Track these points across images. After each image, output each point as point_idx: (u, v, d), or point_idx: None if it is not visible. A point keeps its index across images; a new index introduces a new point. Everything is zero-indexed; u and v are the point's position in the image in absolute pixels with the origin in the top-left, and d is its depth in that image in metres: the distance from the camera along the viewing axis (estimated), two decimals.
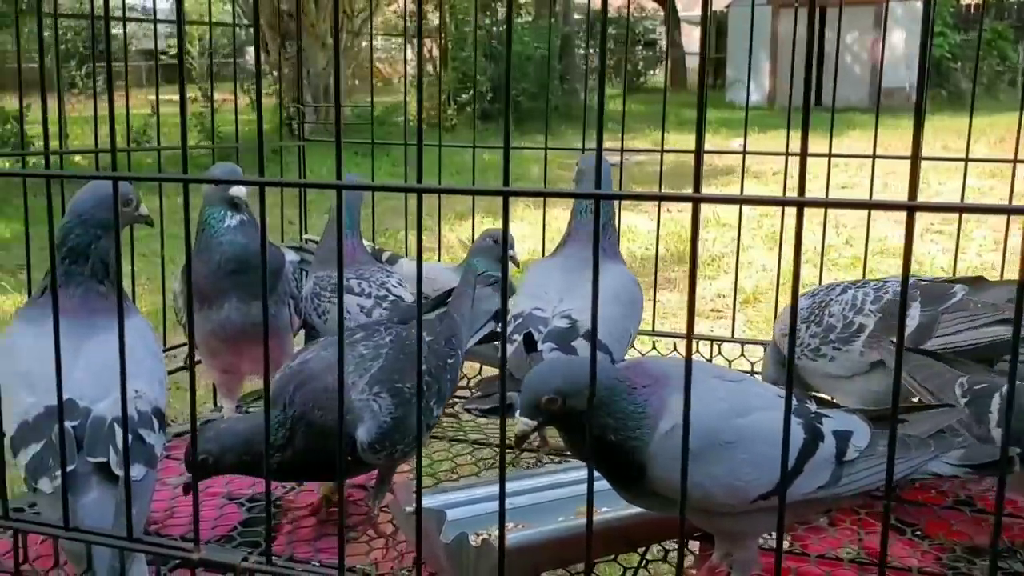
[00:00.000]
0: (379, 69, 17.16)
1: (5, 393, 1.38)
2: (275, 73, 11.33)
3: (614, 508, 1.62)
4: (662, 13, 22.89)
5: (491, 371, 2.32)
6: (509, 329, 1.88)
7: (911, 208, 0.80)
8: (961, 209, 1.15)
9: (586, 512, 1.01)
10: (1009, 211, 1.02)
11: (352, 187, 0.95)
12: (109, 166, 1.43)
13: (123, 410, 1.17)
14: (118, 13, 2.59)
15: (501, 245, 0.88)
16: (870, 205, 0.92)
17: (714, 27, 19.31)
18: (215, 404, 2.20)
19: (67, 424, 1.29)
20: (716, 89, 19.05)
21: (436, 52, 12.67)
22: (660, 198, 1.14)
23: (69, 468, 1.26)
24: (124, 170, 3.02)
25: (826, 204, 0.89)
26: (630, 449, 1.21)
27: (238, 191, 1.80)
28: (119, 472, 1.28)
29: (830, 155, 2.33)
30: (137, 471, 1.31)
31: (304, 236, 2.48)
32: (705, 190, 0.91)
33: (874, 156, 2.38)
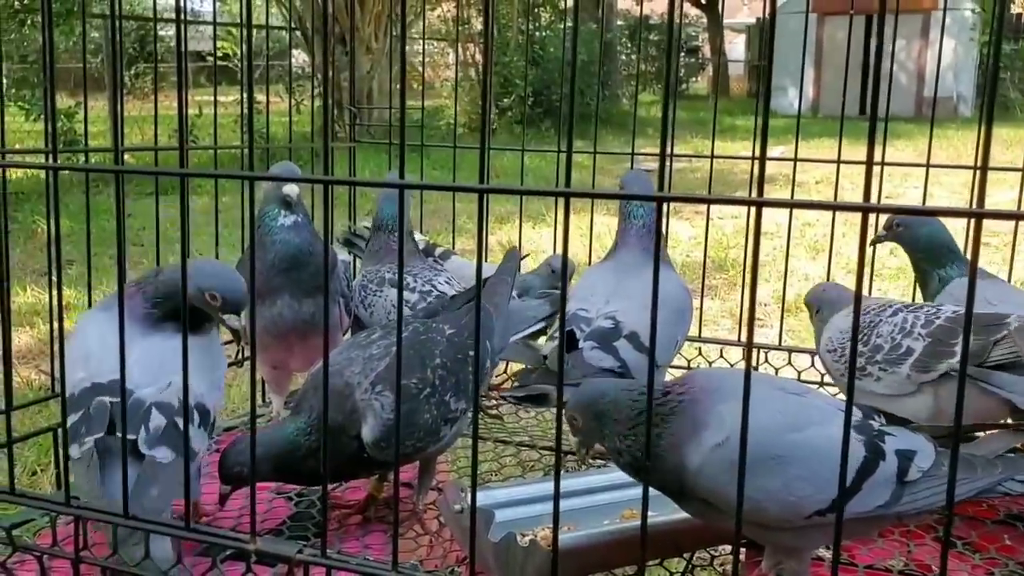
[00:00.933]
0: (420, 72, 17.22)
1: (67, 372, 1.46)
2: (320, 76, 11.44)
3: (661, 512, 1.63)
4: (705, 20, 22.79)
5: None
6: (553, 327, 1.90)
7: (866, 210, 0.79)
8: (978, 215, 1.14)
9: (641, 515, 1.02)
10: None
11: (413, 186, 0.97)
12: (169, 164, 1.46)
13: (184, 406, 1.20)
14: (167, 15, 2.62)
15: (560, 270, 0.89)
16: (832, 206, 0.92)
17: (758, 34, 19.18)
18: (263, 399, 2.23)
19: (107, 399, 1.39)
20: (760, 96, 18.95)
21: (479, 57, 12.73)
22: (713, 201, 1.14)
23: (96, 437, 1.35)
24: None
25: (788, 204, 0.90)
26: (669, 462, 1.22)
27: (291, 189, 1.83)
28: (145, 451, 1.35)
29: (883, 163, 2.30)
30: (163, 454, 1.37)
31: (351, 226, 2.49)
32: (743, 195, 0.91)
33: (928, 165, 2.34)
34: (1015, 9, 19.33)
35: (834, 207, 0.89)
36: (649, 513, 1.59)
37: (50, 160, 1.32)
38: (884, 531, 1.67)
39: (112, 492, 1.31)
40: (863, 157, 2.42)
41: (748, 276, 0.93)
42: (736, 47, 23.26)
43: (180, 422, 1.42)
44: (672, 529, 1.52)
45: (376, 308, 2.04)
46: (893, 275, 6.34)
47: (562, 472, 1.88)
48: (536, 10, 15.14)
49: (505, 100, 13.87)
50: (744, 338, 1.53)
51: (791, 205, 0.92)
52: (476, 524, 1.45)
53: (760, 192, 0.92)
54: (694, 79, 22.37)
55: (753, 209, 0.88)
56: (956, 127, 13.73)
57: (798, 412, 1.27)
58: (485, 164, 0.93)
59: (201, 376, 1.50)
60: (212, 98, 2.45)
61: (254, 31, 4.48)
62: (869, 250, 2.53)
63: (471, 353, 1.63)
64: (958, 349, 1.67)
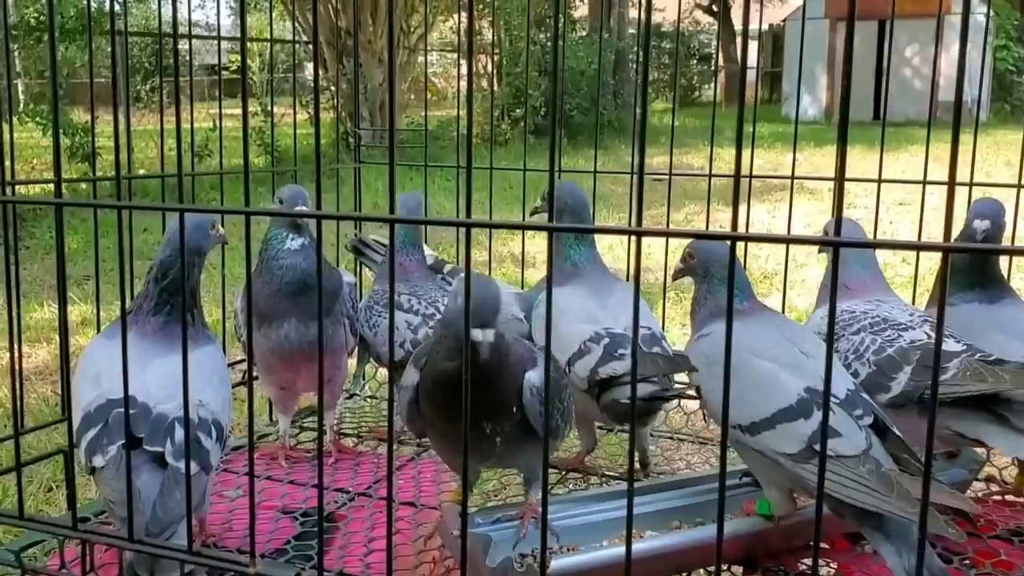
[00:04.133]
0: (432, 84, 17.34)
1: (75, 396, 1.51)
2: (332, 88, 11.51)
3: (660, 532, 1.65)
4: (716, 27, 22.79)
5: None
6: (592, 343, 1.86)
7: (837, 244, 0.81)
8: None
9: (625, 539, 1.04)
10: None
11: (403, 221, 1.00)
12: (174, 188, 1.50)
13: (185, 414, 1.23)
14: (182, 30, 2.66)
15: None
16: (702, 235, 0.94)
17: (771, 41, 19.16)
18: (271, 419, 2.27)
19: (122, 411, 1.41)
20: (772, 103, 18.90)
21: (490, 68, 12.76)
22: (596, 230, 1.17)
23: (120, 444, 1.37)
24: (187, 191, 3.12)
25: (664, 233, 0.92)
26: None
27: (302, 211, 1.86)
28: (172, 461, 1.38)
29: (924, 180, 2.26)
30: (191, 468, 1.40)
31: (357, 233, 2.47)
32: (758, 207, 0.94)
33: (925, 181, 2.33)
34: None
35: (700, 235, 0.91)
36: (648, 533, 1.65)
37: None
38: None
39: (144, 498, 1.36)
40: (875, 163, 2.36)
41: (753, 288, 0.96)
42: (750, 54, 23.23)
43: (202, 437, 1.48)
44: (673, 550, 1.55)
45: (381, 329, 2.07)
46: (905, 283, 6.33)
47: (563, 493, 1.92)
48: (548, 20, 15.19)
49: (517, 111, 13.92)
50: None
51: (665, 234, 0.94)
52: (472, 548, 1.48)
53: (734, 225, 0.94)
54: (706, 86, 22.34)
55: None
56: (970, 131, 13.65)
57: (771, 348, 1.52)
58: (469, 197, 0.96)
59: (215, 392, 1.56)
60: (230, 111, 2.50)
61: (267, 45, 4.53)
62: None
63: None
64: (895, 387, 1.64)
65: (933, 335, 1.70)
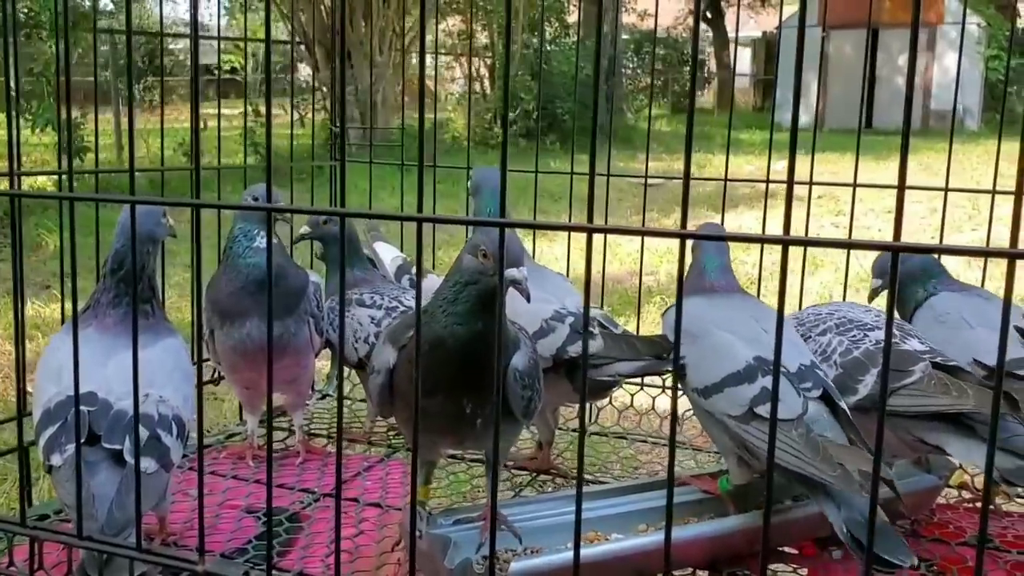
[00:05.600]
0: (428, 86, 17.28)
1: (36, 392, 1.50)
2: (324, 89, 11.51)
3: (626, 534, 1.64)
4: (711, 33, 22.84)
5: None
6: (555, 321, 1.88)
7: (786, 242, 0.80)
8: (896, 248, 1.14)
9: (574, 544, 1.02)
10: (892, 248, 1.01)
11: (354, 215, 0.98)
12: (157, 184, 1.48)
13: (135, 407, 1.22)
14: (176, 30, 2.64)
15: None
16: (644, 232, 0.93)
17: (763, 48, 19.22)
18: (240, 418, 2.25)
19: (84, 408, 1.40)
20: (765, 111, 18.93)
21: (483, 71, 12.78)
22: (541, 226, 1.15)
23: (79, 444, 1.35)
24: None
25: (620, 231, 0.91)
26: None
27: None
28: (130, 459, 1.36)
29: (901, 185, 2.26)
30: (148, 463, 1.40)
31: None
32: (747, 213, 0.92)
33: (944, 189, 2.30)
34: (1021, 23, 19.29)
35: (646, 233, 0.90)
36: (614, 536, 1.63)
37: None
38: (848, 554, 1.67)
39: (101, 499, 1.34)
40: (869, 171, 2.37)
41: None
42: (742, 61, 23.26)
43: (162, 433, 1.46)
44: (635, 553, 1.53)
45: (346, 330, 2.06)
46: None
47: (531, 495, 1.91)
48: (542, 24, 15.19)
49: (510, 114, 13.91)
50: None
51: (610, 231, 0.92)
52: (431, 549, 1.47)
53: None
54: (699, 92, 22.39)
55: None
56: (962, 141, 13.72)
57: (732, 321, 1.61)
58: (420, 192, 0.94)
59: (176, 388, 1.54)
60: (218, 111, 2.48)
61: (262, 46, 4.53)
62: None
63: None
64: (862, 389, 1.63)
65: (899, 334, 1.71)
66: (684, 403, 2.17)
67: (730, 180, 2.42)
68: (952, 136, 2.40)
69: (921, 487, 1.75)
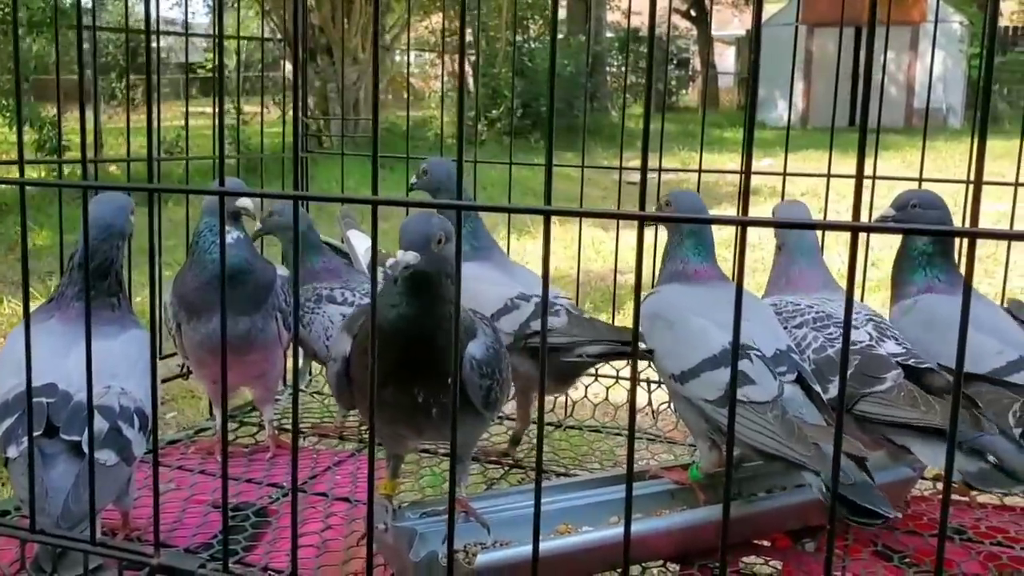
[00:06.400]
0: (412, 83, 17.29)
1: (1, 380, 1.47)
2: (305, 86, 11.43)
3: (595, 526, 1.62)
4: (695, 32, 22.87)
5: None
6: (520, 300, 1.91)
7: (743, 223, 0.79)
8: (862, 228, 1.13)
9: (533, 537, 1.01)
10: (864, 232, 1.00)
11: (310, 198, 0.96)
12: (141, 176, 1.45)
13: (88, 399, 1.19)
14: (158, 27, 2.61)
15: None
16: (616, 215, 0.91)
17: (747, 46, 19.23)
18: (210, 413, 2.22)
19: (43, 400, 1.39)
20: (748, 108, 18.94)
21: (468, 68, 12.72)
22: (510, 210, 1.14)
23: (36, 435, 1.33)
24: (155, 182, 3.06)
25: (575, 213, 0.89)
26: None
27: (244, 202, 1.82)
28: (88, 451, 1.33)
29: (873, 176, 2.24)
30: (107, 456, 1.39)
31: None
32: (732, 210, 0.90)
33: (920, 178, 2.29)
34: (1003, 22, 19.41)
35: (615, 215, 0.89)
36: (584, 528, 1.62)
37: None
38: (822, 546, 1.66)
39: (56, 492, 1.33)
40: (851, 169, 2.37)
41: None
42: (726, 59, 23.31)
43: (123, 425, 1.44)
44: (605, 544, 1.51)
45: (314, 326, 2.03)
46: (873, 287, 6.34)
47: (501, 487, 1.89)
48: (525, 22, 15.19)
49: (493, 111, 13.89)
50: None
51: (575, 214, 0.90)
52: (397, 542, 1.45)
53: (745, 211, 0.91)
54: (684, 91, 22.41)
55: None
56: (945, 138, 13.79)
57: (709, 308, 1.59)
58: (375, 176, 0.92)
59: (139, 381, 1.52)
60: (200, 109, 2.45)
61: (241, 43, 4.48)
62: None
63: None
64: (832, 389, 1.61)
65: (875, 334, 1.69)
66: (661, 396, 2.17)
67: (704, 171, 2.39)
68: (925, 130, 2.40)
69: (895, 479, 1.74)
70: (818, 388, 1.55)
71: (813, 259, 1.88)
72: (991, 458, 1.52)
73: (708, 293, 1.67)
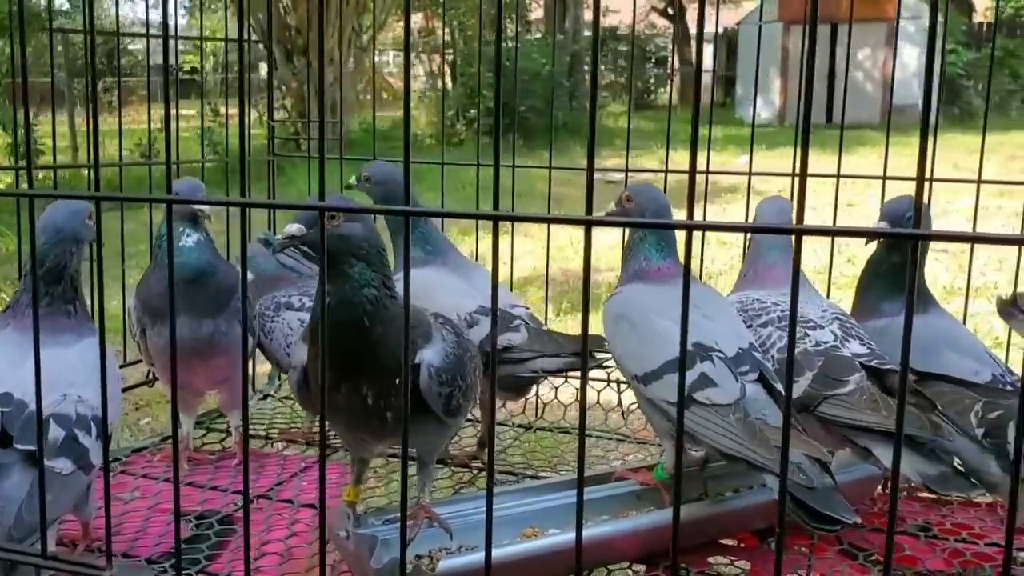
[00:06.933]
0: (389, 83, 17.27)
1: None
2: (283, 88, 11.40)
3: (562, 529, 1.61)
4: (672, 30, 22.88)
5: None
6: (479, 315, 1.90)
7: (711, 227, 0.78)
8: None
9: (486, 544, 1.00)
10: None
11: (255, 205, 0.95)
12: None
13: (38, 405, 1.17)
14: (136, 29, 2.58)
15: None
16: (550, 220, 0.91)
17: (724, 44, 19.32)
18: (179, 420, 2.20)
19: None
20: (726, 107, 19.00)
21: (445, 68, 12.71)
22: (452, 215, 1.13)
23: None
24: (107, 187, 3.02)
25: (522, 218, 0.89)
26: None
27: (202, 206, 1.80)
28: (44, 461, 1.30)
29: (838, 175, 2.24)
30: (63, 464, 1.38)
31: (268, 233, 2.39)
32: (708, 208, 0.90)
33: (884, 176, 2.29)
34: (976, 18, 19.57)
35: (554, 221, 0.88)
36: (551, 531, 1.61)
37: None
38: (789, 544, 1.66)
39: (9, 502, 1.31)
40: (827, 166, 2.34)
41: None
42: (704, 57, 23.26)
43: (80, 434, 1.42)
44: (570, 548, 1.50)
45: (275, 334, 2.02)
46: (850, 283, 6.37)
47: (468, 492, 1.88)
48: (503, 21, 15.13)
49: (472, 111, 13.86)
50: None
51: (523, 219, 0.90)
52: (358, 549, 1.44)
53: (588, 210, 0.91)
54: (662, 89, 22.41)
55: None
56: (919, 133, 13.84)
57: (672, 308, 1.51)
58: (322, 181, 0.91)
59: (96, 388, 1.49)
60: (180, 112, 2.43)
61: (220, 44, 4.44)
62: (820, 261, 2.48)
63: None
64: (795, 390, 1.60)
65: (840, 334, 1.69)
66: (632, 396, 2.16)
67: (670, 172, 2.39)
68: (889, 126, 2.40)
69: (862, 477, 1.74)
70: (780, 387, 1.54)
71: (782, 254, 1.86)
72: (957, 461, 1.53)
73: (671, 292, 1.65)
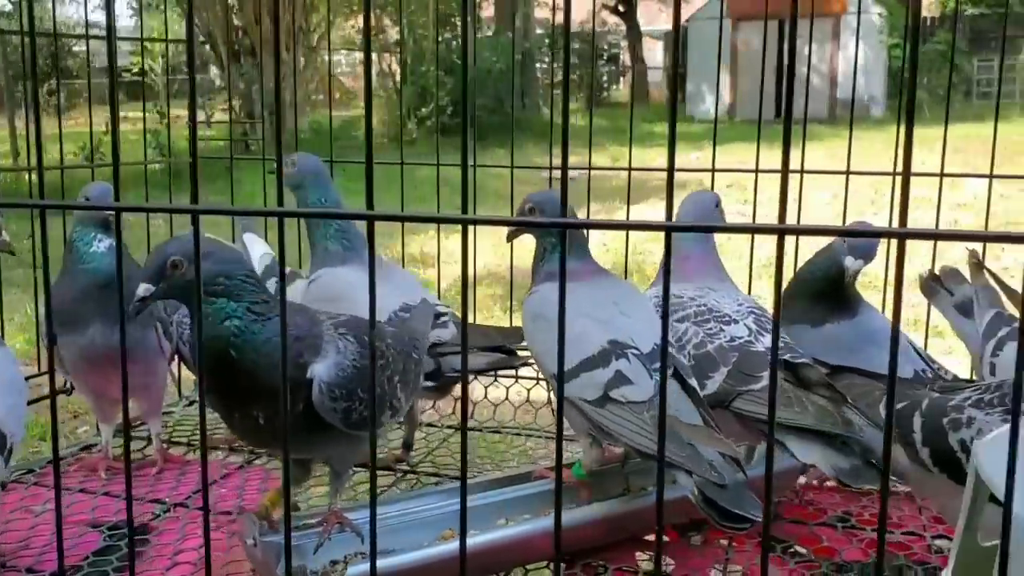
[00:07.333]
0: (343, 83, 17.14)
1: None
2: (229, 90, 11.25)
3: (480, 530, 1.60)
4: (624, 27, 23.01)
5: None
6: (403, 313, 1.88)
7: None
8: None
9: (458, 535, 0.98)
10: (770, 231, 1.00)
11: (175, 210, 0.92)
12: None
13: None
14: (76, 32, 2.53)
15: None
16: (514, 223, 0.90)
17: (674, 41, 19.43)
18: (98, 430, 2.15)
19: None
20: (679, 103, 19.12)
21: (395, 67, 12.64)
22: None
23: None
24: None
25: (490, 222, 0.88)
26: None
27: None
28: None
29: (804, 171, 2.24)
30: None
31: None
32: (661, 204, 0.89)
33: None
34: (923, 12, 19.87)
35: (526, 224, 0.87)
36: (472, 532, 1.60)
37: None
38: (709, 538, 1.66)
39: None
40: (778, 161, 2.36)
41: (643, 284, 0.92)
42: (655, 54, 23.49)
43: None
44: (486, 548, 1.50)
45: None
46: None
47: (389, 494, 1.86)
48: (452, 19, 15.11)
49: (423, 110, 13.82)
50: None
51: (490, 222, 0.89)
52: (265, 557, 1.42)
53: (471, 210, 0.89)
54: (615, 86, 22.53)
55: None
56: (867, 128, 14.09)
57: (589, 305, 1.57)
58: (279, 186, 0.89)
59: (1, 400, 1.46)
60: (126, 114, 2.37)
61: (169, 46, 4.36)
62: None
63: (413, 355, 1.57)
64: (710, 385, 1.61)
65: (755, 328, 1.70)
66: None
67: (632, 169, 2.38)
68: (805, 121, 2.42)
69: (783, 469, 1.75)
70: (694, 383, 1.54)
71: (699, 246, 1.86)
72: (871, 456, 1.54)
73: (588, 290, 1.64)
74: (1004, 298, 1.95)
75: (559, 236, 1.68)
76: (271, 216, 0.90)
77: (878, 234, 0.77)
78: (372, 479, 0.91)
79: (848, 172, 2.37)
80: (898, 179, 2.21)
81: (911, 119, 0.75)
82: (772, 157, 2.22)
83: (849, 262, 1.78)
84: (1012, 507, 0.80)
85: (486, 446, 2.18)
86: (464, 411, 0.93)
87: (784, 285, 1.85)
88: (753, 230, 0.92)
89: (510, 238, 1.73)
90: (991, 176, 2.26)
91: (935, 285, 2.04)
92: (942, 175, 2.27)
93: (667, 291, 0.89)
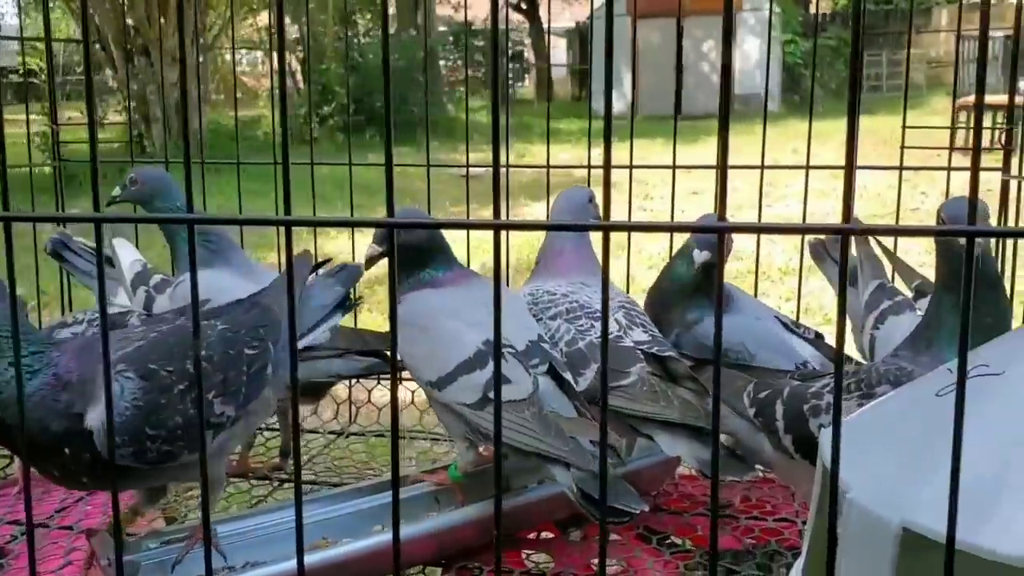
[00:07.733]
0: (244, 82, 16.78)
1: None
2: (124, 91, 10.90)
3: (359, 537, 1.57)
4: (527, 24, 23.11)
5: None
6: None
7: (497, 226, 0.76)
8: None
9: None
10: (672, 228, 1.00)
11: (111, 220, 0.85)
12: None
13: None
14: None
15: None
16: (461, 224, 0.89)
17: (577, 38, 19.64)
18: None
19: None
20: (582, 100, 19.32)
21: (296, 65, 12.42)
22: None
23: None
24: None
25: (312, 223, 0.86)
26: None
27: None
28: None
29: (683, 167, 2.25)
30: None
31: (62, 232, 2.23)
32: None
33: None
34: (813, 9, 20.51)
35: (356, 223, 0.85)
36: (344, 540, 1.57)
37: None
38: (588, 532, 1.67)
39: None
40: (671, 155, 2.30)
41: None
42: (558, 51, 23.64)
43: None
44: (359, 556, 1.47)
45: None
46: (733, 279, 6.53)
47: (269, 503, 1.82)
48: (353, 17, 14.95)
49: (325, 108, 13.63)
50: None
51: (314, 223, 0.86)
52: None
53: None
54: (520, 83, 22.61)
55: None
56: (760, 121, 14.39)
57: (461, 309, 1.57)
58: (188, 191, 0.83)
59: None
60: (15, 116, 2.23)
61: (59, 46, 4.16)
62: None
63: (247, 352, 1.44)
64: (582, 382, 1.60)
65: (625, 322, 1.71)
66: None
67: (552, 167, 2.36)
68: (723, 113, 2.44)
69: (659, 460, 1.76)
70: (569, 377, 1.55)
71: (572, 241, 1.86)
72: (736, 447, 1.56)
73: (458, 293, 1.63)
74: (888, 268, 1.97)
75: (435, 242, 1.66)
76: (181, 223, 0.85)
77: (702, 229, 0.77)
78: (204, 504, 0.87)
79: (722, 166, 2.37)
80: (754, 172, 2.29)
81: (854, 111, 0.75)
82: (668, 154, 2.25)
83: (695, 254, 1.80)
84: (840, 492, 0.81)
85: (367, 451, 2.14)
86: (395, 416, 0.90)
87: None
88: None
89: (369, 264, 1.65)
90: (807, 167, 2.34)
91: (822, 250, 2.06)
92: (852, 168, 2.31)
93: (606, 290, 0.87)
